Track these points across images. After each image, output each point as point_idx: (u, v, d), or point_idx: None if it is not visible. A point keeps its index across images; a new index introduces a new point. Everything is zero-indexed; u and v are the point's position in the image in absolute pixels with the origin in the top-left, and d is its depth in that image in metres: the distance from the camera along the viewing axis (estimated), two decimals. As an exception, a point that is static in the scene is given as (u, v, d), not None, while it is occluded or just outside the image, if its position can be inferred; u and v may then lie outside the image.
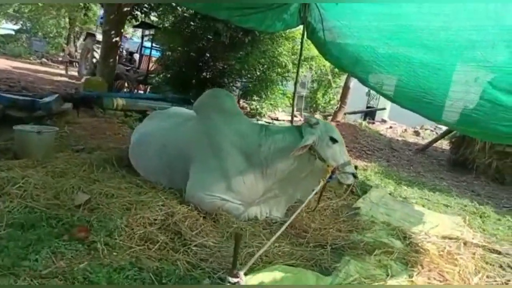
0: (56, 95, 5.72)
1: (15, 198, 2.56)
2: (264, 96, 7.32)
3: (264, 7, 4.19)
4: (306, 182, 3.05)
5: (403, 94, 3.23)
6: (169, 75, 7.61)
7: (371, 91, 17.63)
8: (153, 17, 8.70)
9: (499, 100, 2.57)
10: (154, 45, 9.18)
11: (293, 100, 5.96)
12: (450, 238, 3.31)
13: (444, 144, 9.69)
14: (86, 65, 13.35)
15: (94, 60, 12.61)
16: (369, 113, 13.75)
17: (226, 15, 4.46)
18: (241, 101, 8.10)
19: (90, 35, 13.70)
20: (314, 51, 7.56)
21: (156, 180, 3.24)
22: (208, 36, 6.99)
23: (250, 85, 7.27)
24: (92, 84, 6.54)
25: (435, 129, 13.27)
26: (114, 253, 2.17)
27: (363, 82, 3.69)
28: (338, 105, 9.02)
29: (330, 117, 9.36)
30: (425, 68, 3.01)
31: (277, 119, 7.96)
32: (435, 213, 4.16)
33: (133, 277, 1.97)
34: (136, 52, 11.43)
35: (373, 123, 11.04)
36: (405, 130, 11.58)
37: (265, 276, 1.98)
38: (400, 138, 10.13)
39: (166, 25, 8.04)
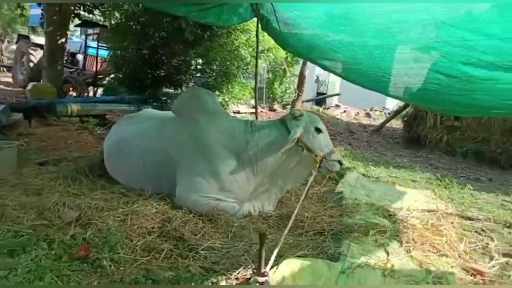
0: (3, 105, 5.24)
1: (-7, 223, 2.33)
2: (225, 91, 7.25)
3: (220, 2, 4.20)
4: (294, 173, 3.09)
5: (364, 76, 3.35)
6: (121, 75, 7.26)
7: (320, 78, 18.22)
8: (97, 15, 8.20)
9: (454, 72, 2.73)
10: (100, 44, 8.66)
11: (255, 92, 5.95)
12: (429, 211, 3.55)
13: (394, 123, 10.32)
14: (22, 69, 12.29)
15: (31, 64, 11.68)
16: (321, 100, 14.16)
17: (184, 11, 4.42)
18: None
19: (23, 37, 12.61)
20: (270, 43, 7.63)
21: (139, 187, 3.11)
22: (162, 34, 6.75)
23: (210, 80, 7.15)
24: (40, 90, 6.05)
25: (382, 109, 14.08)
26: (121, 268, 2.06)
27: (323, 67, 3.75)
28: (296, 94, 9.20)
29: (288, 106, 9.53)
30: (380, 50, 3.14)
31: (238, 112, 7.94)
32: (406, 189, 4.43)
33: (150, 290, 1.89)
34: (79, 53, 10.72)
35: (328, 108, 11.42)
36: (358, 113, 12.14)
37: (284, 270, 1.99)
38: (355, 121, 10.60)
39: (112, 22, 7.64)
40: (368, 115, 12.08)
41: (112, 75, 7.89)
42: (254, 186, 3.01)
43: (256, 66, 5.49)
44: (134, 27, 6.76)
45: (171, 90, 8.05)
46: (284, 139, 2.92)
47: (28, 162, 3.83)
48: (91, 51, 9.46)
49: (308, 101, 9.77)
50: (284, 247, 2.41)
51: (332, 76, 17.68)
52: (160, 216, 2.62)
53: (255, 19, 4.63)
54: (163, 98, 7.26)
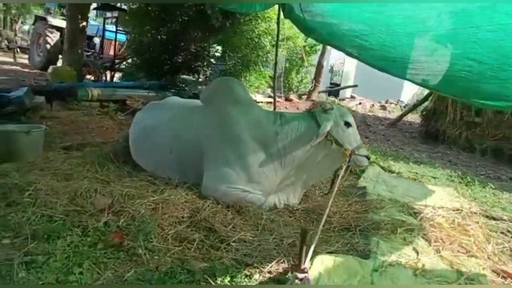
0: (25, 87, 5.28)
1: (28, 207, 2.36)
2: (242, 79, 7.20)
3: None
4: (321, 166, 3.07)
5: (391, 63, 3.28)
6: (139, 61, 7.24)
7: (334, 68, 18.00)
8: (116, -2, 8.17)
9: (485, 59, 2.64)
10: (118, 28, 8.62)
11: (274, 81, 5.92)
12: (453, 210, 3.51)
13: (411, 117, 10.19)
14: (39, 51, 12.34)
15: (48, 46, 11.71)
16: (336, 91, 14.02)
17: None
18: None
19: (40, 19, 12.61)
20: (290, 31, 7.53)
21: (166, 175, 3.12)
22: (183, 19, 6.69)
23: (229, 68, 7.10)
24: (60, 74, 6.07)
25: (397, 102, 13.90)
26: (156, 257, 2.09)
27: (349, 54, 3.65)
28: (313, 84, 9.12)
29: (304, 96, 9.45)
30: (409, 37, 3.06)
31: (255, 101, 7.87)
32: (428, 185, 4.39)
33: (186, 280, 1.91)
34: (96, 36, 10.71)
35: (343, 100, 11.31)
36: (373, 105, 11.99)
37: (319, 267, 2.00)
38: (370, 114, 10.49)
39: (133, 6, 7.58)
40: (383, 107, 11.94)
41: (130, 60, 7.87)
42: (281, 178, 3.00)
43: (276, 54, 5.45)
44: (154, 11, 6.69)
45: (188, 77, 8.04)
46: (313, 132, 2.90)
47: (52, 145, 3.88)
48: (108, 34, 9.44)
49: (324, 91, 9.67)
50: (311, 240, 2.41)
51: (346, 66, 17.52)
52: (189, 205, 2.64)
53: (276, 6, 4.59)
54: (181, 85, 7.24)
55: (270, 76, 7.78)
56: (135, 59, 7.24)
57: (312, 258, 2.11)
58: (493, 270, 2.46)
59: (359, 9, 3.22)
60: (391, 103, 12.80)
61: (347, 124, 2.97)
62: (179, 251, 2.17)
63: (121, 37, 9.10)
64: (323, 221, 2.14)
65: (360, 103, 11.57)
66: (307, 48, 8.93)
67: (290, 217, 2.86)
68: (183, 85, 7.29)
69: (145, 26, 6.94)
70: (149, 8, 6.86)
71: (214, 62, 7.50)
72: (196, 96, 6.95)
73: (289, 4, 4.39)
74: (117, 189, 2.65)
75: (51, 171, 3.02)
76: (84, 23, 6.65)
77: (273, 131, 2.91)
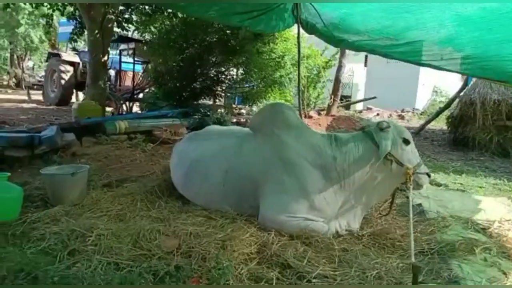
0: (55, 126, 5.26)
1: (92, 255, 2.25)
2: (265, 99, 7.16)
3: (267, 9, 4.17)
4: (380, 188, 2.93)
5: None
6: (161, 90, 7.25)
7: (342, 81, 18.01)
8: (129, 30, 8.25)
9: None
10: (136, 59, 8.67)
11: (299, 99, 5.87)
12: (518, 222, 3.34)
13: (430, 125, 10.02)
14: (53, 87, 12.50)
15: (62, 82, 11.86)
16: (349, 104, 13.94)
17: (238, 20, 4.48)
18: (246, 106, 7.89)
19: (54, 55, 12.84)
20: (308, 50, 7.54)
21: (219, 208, 3.01)
22: (204, 43, 6.73)
23: (252, 89, 7.07)
24: (86, 109, 6.06)
25: (413, 110, 13.77)
26: (239, 302, 1.95)
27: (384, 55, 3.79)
28: (332, 99, 9.06)
29: (323, 112, 9.37)
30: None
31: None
32: (481, 197, 4.21)
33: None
34: (110, 68, 10.83)
35: (361, 112, 11.22)
36: (390, 115, 11.87)
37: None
38: (390, 124, 10.32)
39: (147, 37, 7.66)
40: (401, 116, 11.80)
41: (151, 89, 7.90)
42: (341, 202, 2.87)
43: (299, 73, 5.41)
44: (174, 40, 6.73)
45: (208, 102, 8.03)
46: (371, 153, 2.79)
47: (91, 183, 3.80)
48: (124, 66, 9.51)
49: (343, 105, 9.59)
50: (397, 272, 2.26)
51: (355, 79, 17.54)
52: (254, 240, 2.51)
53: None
54: (202, 110, 7.21)
55: (291, 94, 7.75)
56: (155, 88, 7.24)
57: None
58: None
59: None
60: (408, 112, 12.67)
61: (406, 142, 2.85)
62: (261, 292, 2.03)
63: (137, 67, 9.16)
64: (412, 249, 2.00)
65: (377, 114, 11.46)
66: (322, 63, 8.89)
67: (357, 243, 2.71)
68: (205, 110, 7.26)
69: (165, 55, 6.96)
70: (171, 36, 6.90)
71: (234, 85, 7.49)
72: (219, 121, 6.93)
73: (309, 21, 4.40)
74: (179, 228, 2.53)
75: (103, 213, 2.93)
76: (106, 58, 6.70)
77: (331, 155, 2.80)
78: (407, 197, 2.61)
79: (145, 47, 8.31)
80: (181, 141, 3.83)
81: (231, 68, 7.48)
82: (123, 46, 9.55)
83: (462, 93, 8.24)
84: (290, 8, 4.32)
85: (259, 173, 2.86)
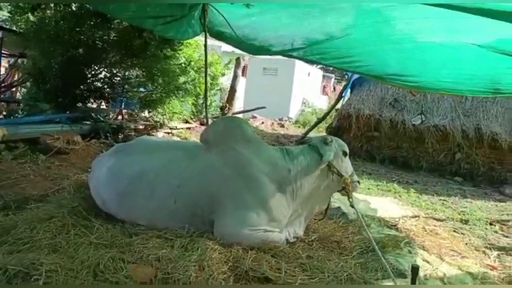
0: None
1: (46, 299, 1.86)
2: (165, 107, 6.82)
3: (179, 15, 4.14)
4: (321, 196, 3.21)
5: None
6: (41, 89, 6.20)
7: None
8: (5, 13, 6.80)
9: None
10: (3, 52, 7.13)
11: (205, 107, 5.95)
12: (412, 217, 4.10)
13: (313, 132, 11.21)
14: None
15: None
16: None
17: (151, 24, 4.35)
18: (144, 112, 7.33)
19: None
20: (209, 57, 7.56)
21: (166, 226, 2.81)
22: (95, 41, 6.05)
23: (153, 94, 6.63)
24: None
25: (288, 119, 15.13)
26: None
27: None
28: (227, 107, 9.24)
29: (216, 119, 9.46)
30: None
31: (176, 128, 7.58)
32: (372, 197, 4.97)
33: None
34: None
35: (248, 120, 11.75)
36: (272, 123, 12.77)
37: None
38: (275, 132, 11.15)
39: (23, 26, 6.48)
40: (281, 125, 12.83)
41: (15, 88, 6.65)
42: (292, 212, 3.04)
43: (206, 80, 5.48)
44: (62, 33, 5.86)
45: (93, 106, 7.25)
46: (317, 164, 3.04)
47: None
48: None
49: (237, 113, 9.90)
50: (359, 270, 2.53)
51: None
52: (224, 257, 2.46)
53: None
54: (95, 115, 6.48)
55: (192, 103, 7.62)
56: (34, 88, 6.16)
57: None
58: (481, 266, 2.99)
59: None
60: (285, 120, 13.85)
61: (345, 154, 3.21)
62: (253, 311, 2.02)
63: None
64: (376, 248, 2.28)
65: (262, 123, 12.20)
66: (213, 72, 9.01)
67: (310, 248, 2.91)
68: (98, 116, 6.55)
69: (48, 49, 5.99)
70: (58, 30, 5.98)
71: (131, 89, 6.93)
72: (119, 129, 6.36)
73: (217, 29, 4.55)
74: (145, 254, 2.28)
75: (30, 244, 2.41)
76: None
77: (286, 169, 2.93)
78: (351, 206, 2.93)
79: (12, 38, 6.98)
80: (105, 155, 3.40)
81: (127, 71, 6.92)
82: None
83: (337, 106, 9.50)
84: (198, 16, 4.35)
85: (217, 188, 2.79)
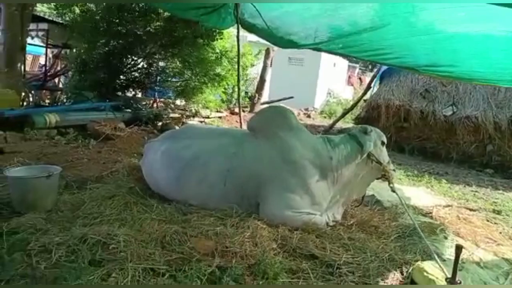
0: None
1: (124, 263, 2.13)
2: (199, 97, 7.08)
3: (218, 5, 4.43)
4: (360, 183, 3.37)
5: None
6: (85, 79, 6.57)
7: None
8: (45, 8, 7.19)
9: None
10: (49, 42, 7.53)
11: (238, 96, 6.11)
12: (446, 206, 4.20)
13: (338, 124, 11.27)
14: None
15: None
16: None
17: (193, 15, 4.60)
18: (178, 101, 7.63)
19: None
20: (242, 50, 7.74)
21: (217, 207, 3.06)
22: (136, 32, 6.33)
23: (188, 84, 6.89)
24: (1, 99, 5.15)
25: (313, 109, 15.16)
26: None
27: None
28: (256, 97, 9.43)
29: (246, 108, 9.71)
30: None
31: (208, 117, 7.85)
32: (405, 187, 5.08)
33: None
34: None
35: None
36: (298, 113, 12.88)
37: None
38: (300, 122, 11.26)
39: (67, 18, 6.82)
40: (307, 115, 12.93)
41: (58, 78, 7.03)
42: (331, 197, 3.22)
43: (238, 71, 5.65)
44: (104, 25, 6.17)
45: (130, 95, 7.57)
46: (357, 153, 3.20)
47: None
48: (30, 49, 8.19)
49: (265, 103, 10.08)
50: (399, 252, 2.70)
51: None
52: (272, 235, 2.68)
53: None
54: (134, 105, 6.80)
55: (223, 92, 7.85)
56: (80, 77, 6.52)
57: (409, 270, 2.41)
58: (516, 253, 3.09)
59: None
60: (311, 111, 13.92)
61: (383, 144, 3.35)
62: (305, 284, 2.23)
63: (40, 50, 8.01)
64: (421, 233, 2.45)
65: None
66: (246, 63, 9.19)
67: (350, 232, 3.09)
68: (137, 105, 6.87)
69: (91, 41, 6.33)
70: (96, 21, 6.30)
71: (168, 79, 7.21)
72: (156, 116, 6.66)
73: (249, 21, 4.72)
74: (204, 230, 2.54)
75: (100, 219, 2.70)
76: (26, 39, 5.75)
77: (327, 155, 3.11)
78: (393, 191, 3.09)
79: (56, 30, 7.37)
80: (157, 140, 3.67)
81: (162, 61, 7.19)
82: (32, 26, 8.19)
83: (365, 97, 9.53)
84: (233, 6, 4.52)
85: (263, 173, 3.01)
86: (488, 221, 3.97)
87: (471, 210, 4.31)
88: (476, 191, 5.51)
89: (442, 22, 3.13)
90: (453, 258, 2.45)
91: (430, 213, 3.88)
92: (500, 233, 3.53)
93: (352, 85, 21.12)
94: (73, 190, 3.36)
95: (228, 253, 2.35)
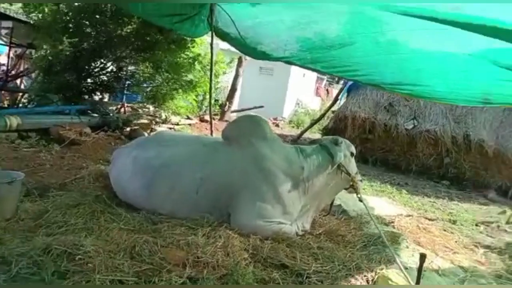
0: None
1: (91, 274, 2.08)
2: (169, 103, 6.98)
3: (193, 13, 4.39)
4: (329, 193, 3.48)
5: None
6: (49, 81, 6.30)
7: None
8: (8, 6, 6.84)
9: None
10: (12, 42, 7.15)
11: (210, 104, 6.13)
12: (406, 216, 4.40)
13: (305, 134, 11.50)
14: None
15: None
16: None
17: (167, 22, 4.58)
18: (148, 107, 7.48)
19: None
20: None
21: (187, 216, 3.04)
22: (107, 34, 6.19)
23: (162, 90, 6.78)
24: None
25: (282, 118, 15.37)
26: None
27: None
28: (226, 106, 9.42)
29: (217, 117, 9.68)
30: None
31: (177, 124, 7.76)
32: (368, 197, 5.25)
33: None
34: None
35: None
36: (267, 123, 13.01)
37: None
38: (270, 131, 11.39)
39: (35, 17, 6.54)
40: (276, 124, 13.09)
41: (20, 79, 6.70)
42: (301, 206, 3.29)
43: (211, 79, 5.68)
44: (74, 25, 5.99)
45: (96, 99, 7.37)
46: (328, 163, 3.30)
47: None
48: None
49: (236, 111, 10.10)
50: (364, 261, 2.80)
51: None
52: (243, 245, 2.70)
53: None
54: (101, 109, 6.60)
55: (194, 99, 7.79)
56: (45, 79, 6.26)
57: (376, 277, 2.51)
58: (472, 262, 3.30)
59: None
60: (280, 120, 14.11)
61: (352, 154, 3.48)
62: (275, 292, 2.26)
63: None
64: (387, 242, 2.56)
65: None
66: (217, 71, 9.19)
67: (317, 242, 3.17)
68: (104, 109, 6.69)
69: (59, 41, 6.10)
70: (65, 21, 6.10)
71: (138, 83, 7.07)
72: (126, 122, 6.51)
73: (223, 30, 4.78)
74: (175, 239, 2.52)
75: (64, 228, 2.61)
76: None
77: (300, 166, 3.19)
78: (360, 201, 3.22)
79: (21, 29, 7.06)
80: (127, 147, 3.61)
81: (133, 65, 7.06)
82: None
83: (333, 108, 9.81)
84: (206, 14, 4.56)
85: (236, 181, 3.03)
86: (445, 230, 4.21)
87: (430, 220, 4.55)
88: (434, 202, 5.81)
89: (408, 42, 3.31)
90: (415, 266, 2.60)
91: (392, 222, 4.05)
92: (456, 242, 3.75)
93: (320, 96, 21.63)
94: (34, 198, 3.22)
95: (200, 264, 2.34)
